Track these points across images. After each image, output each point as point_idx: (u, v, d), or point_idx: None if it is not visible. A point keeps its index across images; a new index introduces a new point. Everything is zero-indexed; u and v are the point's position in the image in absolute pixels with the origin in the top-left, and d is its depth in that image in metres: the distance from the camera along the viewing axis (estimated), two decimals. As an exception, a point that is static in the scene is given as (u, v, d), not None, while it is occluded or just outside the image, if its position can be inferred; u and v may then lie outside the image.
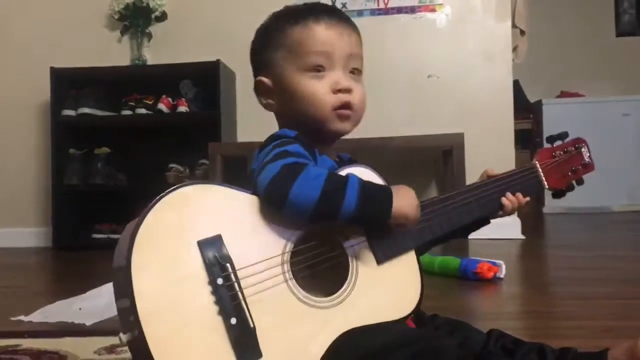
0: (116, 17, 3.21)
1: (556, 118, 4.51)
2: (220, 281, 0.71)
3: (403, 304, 0.84)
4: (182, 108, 3.04)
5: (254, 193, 0.78)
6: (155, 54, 3.24)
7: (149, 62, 3.23)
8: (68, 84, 3.13)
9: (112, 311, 1.33)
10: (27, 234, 3.25)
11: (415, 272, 0.87)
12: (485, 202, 0.98)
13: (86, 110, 3.05)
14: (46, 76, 3.06)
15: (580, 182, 1.07)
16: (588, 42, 5.10)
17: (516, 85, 3.63)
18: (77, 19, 3.30)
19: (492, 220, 1.03)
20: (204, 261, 0.71)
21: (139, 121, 3.11)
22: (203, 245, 0.72)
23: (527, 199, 1.01)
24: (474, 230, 1.02)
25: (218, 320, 0.70)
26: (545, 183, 1.05)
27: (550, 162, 1.06)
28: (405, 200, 0.81)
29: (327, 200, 0.74)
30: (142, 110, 3.04)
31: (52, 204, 3.06)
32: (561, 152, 1.07)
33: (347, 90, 0.87)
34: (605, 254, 2.46)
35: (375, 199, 0.78)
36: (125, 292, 0.68)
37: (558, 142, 1.08)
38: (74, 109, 3.07)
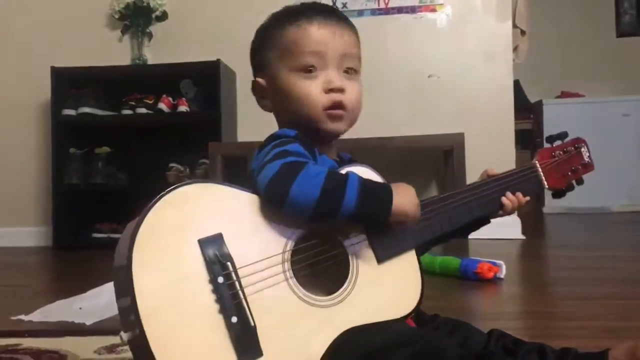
0: (117, 16, 3.21)
1: (556, 118, 4.51)
2: (221, 280, 0.71)
3: (403, 303, 0.84)
4: (183, 108, 3.04)
5: (254, 192, 0.78)
6: (156, 53, 3.24)
7: (150, 62, 3.23)
8: (68, 83, 3.13)
9: (112, 311, 1.33)
10: (27, 233, 3.25)
11: (415, 272, 0.87)
12: (485, 201, 0.98)
13: (87, 109, 3.05)
14: (47, 76, 3.06)
15: (580, 182, 1.08)
16: (588, 42, 5.10)
17: (517, 85, 3.62)
18: (78, 18, 3.30)
19: (492, 220, 1.03)
20: (205, 260, 0.71)
21: (139, 121, 3.11)
22: (204, 243, 0.72)
23: (527, 198, 1.01)
24: (474, 230, 1.02)
25: (219, 319, 0.70)
26: (545, 183, 1.05)
27: (550, 162, 1.06)
28: (405, 198, 0.81)
29: (327, 198, 0.74)
30: (143, 110, 3.04)
31: (53, 203, 3.06)
32: (561, 152, 1.07)
33: (340, 90, 0.87)
34: (605, 254, 2.46)
35: (375, 197, 0.79)
36: (126, 291, 0.68)
37: (558, 142, 1.08)
38: (74, 108, 3.07)
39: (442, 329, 0.89)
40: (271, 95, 0.92)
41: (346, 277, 0.81)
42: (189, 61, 3.01)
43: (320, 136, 0.90)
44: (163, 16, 3.21)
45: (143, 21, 3.18)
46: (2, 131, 3.32)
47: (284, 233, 0.78)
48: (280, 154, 0.78)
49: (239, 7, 3.17)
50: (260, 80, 0.92)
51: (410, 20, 3.16)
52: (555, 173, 1.06)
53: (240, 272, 0.73)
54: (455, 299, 1.66)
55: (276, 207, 0.76)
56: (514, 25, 3.19)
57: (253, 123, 2.88)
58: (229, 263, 0.72)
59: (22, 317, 1.45)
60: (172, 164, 3.09)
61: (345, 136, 0.95)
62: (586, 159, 1.08)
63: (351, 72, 0.90)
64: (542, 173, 1.05)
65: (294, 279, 0.77)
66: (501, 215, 1.01)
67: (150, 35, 3.23)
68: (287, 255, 0.77)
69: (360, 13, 3.15)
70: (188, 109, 3.04)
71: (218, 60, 2.95)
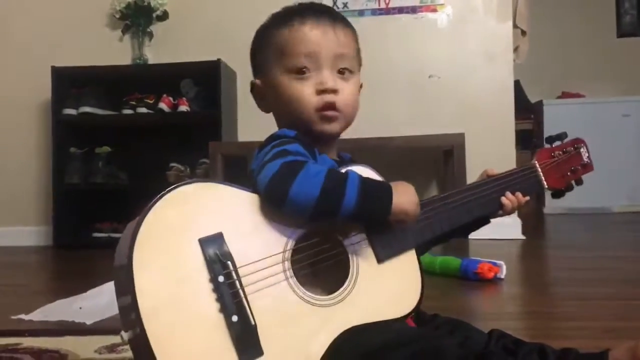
0: (117, 16, 3.21)
1: (557, 118, 4.51)
2: (221, 279, 0.71)
3: (403, 303, 0.84)
4: (183, 107, 3.04)
5: (254, 191, 0.78)
6: (157, 53, 3.24)
7: (150, 61, 3.23)
8: (69, 83, 3.13)
9: (112, 310, 1.33)
10: (27, 232, 3.25)
11: (415, 271, 0.87)
12: (485, 201, 0.98)
13: (87, 109, 3.05)
14: (47, 75, 3.06)
15: (579, 182, 1.08)
16: (589, 42, 5.10)
17: (517, 85, 3.62)
18: (78, 18, 3.30)
19: (492, 220, 1.03)
20: (205, 259, 0.71)
21: (139, 120, 3.11)
22: (204, 243, 0.72)
23: (527, 198, 1.01)
24: (474, 230, 1.02)
25: (219, 318, 0.70)
26: (545, 183, 1.05)
27: (549, 162, 1.06)
28: (404, 197, 0.81)
29: (327, 197, 0.74)
30: (143, 110, 3.04)
31: (53, 202, 3.06)
32: (560, 153, 1.07)
33: (332, 91, 0.87)
34: (605, 255, 2.47)
35: (375, 196, 0.79)
36: (126, 290, 0.68)
37: (557, 143, 1.08)
38: (75, 108, 3.07)
39: (442, 329, 0.89)
40: (268, 96, 0.92)
41: (346, 277, 0.81)
42: (189, 61, 3.01)
43: (315, 137, 0.89)
44: (164, 16, 3.21)
45: (144, 21, 3.18)
46: (2, 131, 3.32)
47: (284, 232, 0.78)
48: (280, 153, 0.78)
49: (240, 7, 3.17)
50: (257, 81, 0.93)
51: (410, 20, 3.16)
52: (554, 173, 1.06)
53: (241, 272, 0.73)
54: (455, 299, 1.66)
55: (276, 206, 0.76)
56: (515, 26, 3.19)
57: (253, 123, 2.87)
58: (229, 262, 0.72)
59: (23, 316, 1.46)
60: (172, 164, 3.10)
61: (345, 136, 0.95)
62: (585, 160, 1.08)
63: (346, 72, 0.89)
64: (541, 173, 1.05)
65: (294, 278, 0.77)
66: (501, 215, 1.01)
67: (151, 35, 3.23)
68: (288, 254, 0.77)
69: (360, 13, 3.15)
70: (188, 109, 3.04)
71: (218, 60, 2.95)
